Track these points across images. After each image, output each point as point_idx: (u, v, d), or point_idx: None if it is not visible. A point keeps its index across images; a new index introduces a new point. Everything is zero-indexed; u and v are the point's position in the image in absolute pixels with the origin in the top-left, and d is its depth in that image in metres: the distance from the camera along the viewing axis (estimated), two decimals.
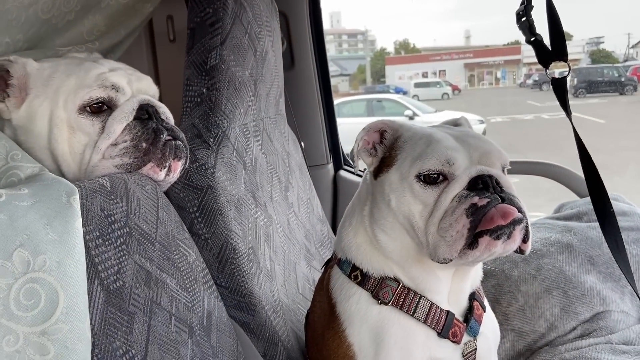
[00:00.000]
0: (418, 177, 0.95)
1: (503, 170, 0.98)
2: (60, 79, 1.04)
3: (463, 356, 1.03)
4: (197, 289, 1.04)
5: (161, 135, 1.03)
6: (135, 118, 1.02)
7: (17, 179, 0.88)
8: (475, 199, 0.89)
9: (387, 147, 1.04)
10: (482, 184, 0.91)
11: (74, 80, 1.03)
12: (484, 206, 0.88)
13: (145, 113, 1.04)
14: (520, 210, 0.90)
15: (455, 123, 1.13)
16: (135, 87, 1.09)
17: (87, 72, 1.04)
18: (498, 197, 0.90)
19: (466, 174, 0.93)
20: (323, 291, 1.13)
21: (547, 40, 1.28)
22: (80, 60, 1.10)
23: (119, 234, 0.88)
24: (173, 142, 1.05)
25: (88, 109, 1.01)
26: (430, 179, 0.94)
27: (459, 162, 0.94)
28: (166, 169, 1.05)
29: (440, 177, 0.94)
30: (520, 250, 0.93)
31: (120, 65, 1.11)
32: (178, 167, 1.07)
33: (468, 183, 0.92)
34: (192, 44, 1.27)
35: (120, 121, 1.01)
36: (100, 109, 1.02)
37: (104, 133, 1.01)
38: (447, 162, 0.93)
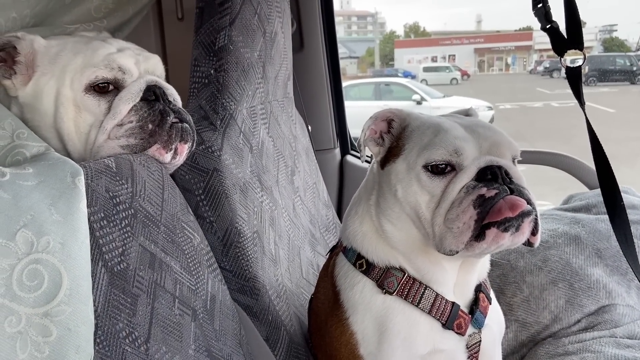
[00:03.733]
0: (425, 167, 0.93)
1: (513, 161, 0.97)
2: (68, 57, 1.03)
3: (467, 348, 1.02)
4: (201, 272, 1.04)
5: (168, 117, 1.02)
6: (142, 99, 1.01)
7: (23, 158, 0.87)
8: (483, 190, 0.88)
9: (394, 137, 1.02)
10: (491, 174, 0.89)
11: (81, 59, 1.02)
12: (492, 197, 0.87)
13: (152, 94, 1.03)
14: (529, 202, 0.88)
15: (466, 113, 1.10)
16: (143, 67, 1.07)
17: (94, 51, 1.03)
18: (507, 188, 0.88)
19: (475, 164, 0.91)
20: (327, 278, 1.12)
21: (562, 28, 1.25)
22: (89, 39, 1.08)
23: (124, 215, 0.88)
24: (180, 124, 1.04)
25: (94, 88, 1.01)
26: (437, 169, 0.93)
27: (468, 152, 0.92)
28: (172, 152, 1.04)
29: (448, 168, 0.93)
30: (529, 243, 0.92)
31: (128, 45, 1.10)
32: (184, 150, 1.06)
33: (476, 174, 0.90)
34: (201, 24, 1.25)
35: (127, 102, 1.00)
36: (107, 89, 1.01)
37: (110, 113, 1.00)
38: (455, 152, 0.92)
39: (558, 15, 1.27)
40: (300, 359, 1.23)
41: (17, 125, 0.93)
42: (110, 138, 1.00)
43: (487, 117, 11.22)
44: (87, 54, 1.02)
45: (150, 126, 1.00)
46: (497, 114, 12.55)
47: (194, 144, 1.09)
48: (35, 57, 1.03)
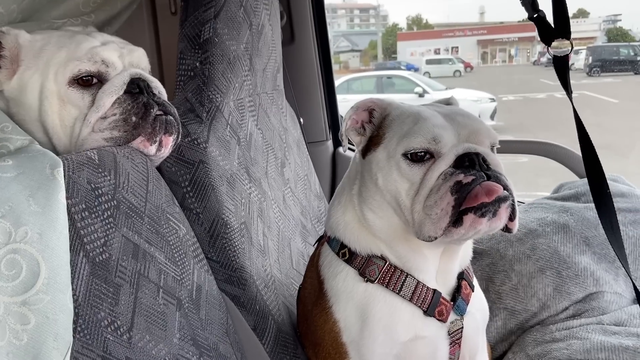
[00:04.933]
0: (405, 155, 0.94)
1: (492, 149, 0.97)
2: (51, 51, 1.03)
3: (449, 334, 1.03)
4: (186, 263, 1.05)
5: (151, 110, 1.03)
6: (126, 92, 1.02)
7: (7, 151, 0.88)
8: (461, 177, 0.89)
9: (375, 126, 1.03)
10: (468, 161, 0.90)
11: (64, 52, 1.03)
12: (469, 184, 0.88)
13: (136, 87, 1.03)
14: (506, 188, 0.89)
15: (446, 102, 1.11)
16: (127, 60, 1.08)
17: (78, 45, 1.04)
18: (484, 174, 0.89)
19: (452, 151, 0.92)
20: (313, 268, 1.14)
21: (550, 18, 1.25)
22: (73, 33, 1.09)
23: (106, 207, 0.89)
24: (164, 117, 1.05)
25: (78, 81, 1.01)
26: (416, 157, 0.93)
27: (446, 139, 0.93)
28: (157, 144, 1.05)
29: (427, 155, 0.94)
30: (507, 229, 0.92)
31: (112, 39, 1.11)
32: (169, 142, 1.07)
33: (454, 161, 0.91)
34: (186, 17, 1.26)
35: (110, 94, 1.01)
36: (90, 82, 1.02)
37: (94, 106, 1.01)
38: (433, 139, 0.93)
39: (545, 4, 1.27)
40: (288, 348, 1.24)
41: (1, 119, 0.94)
42: (94, 131, 1.00)
43: (490, 109, 11.16)
44: (71, 47, 1.03)
45: (133, 119, 1.01)
46: (500, 105, 12.49)
47: (180, 136, 1.10)
48: (20, 51, 1.03)
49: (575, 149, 1.96)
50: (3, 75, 1.04)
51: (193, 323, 1.01)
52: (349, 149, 2.25)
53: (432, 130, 0.93)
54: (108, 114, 1.00)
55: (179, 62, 1.28)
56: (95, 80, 1.02)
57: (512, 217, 0.90)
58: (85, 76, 1.01)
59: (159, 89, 1.09)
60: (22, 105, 1.03)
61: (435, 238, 0.91)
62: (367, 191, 1.02)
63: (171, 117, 1.07)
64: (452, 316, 1.04)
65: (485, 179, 0.89)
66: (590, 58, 20.20)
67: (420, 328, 1.00)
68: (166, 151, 1.08)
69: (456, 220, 0.88)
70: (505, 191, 0.88)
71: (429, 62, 26.97)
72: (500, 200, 0.87)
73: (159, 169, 1.12)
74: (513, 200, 0.90)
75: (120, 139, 1.01)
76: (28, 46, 1.04)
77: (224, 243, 1.19)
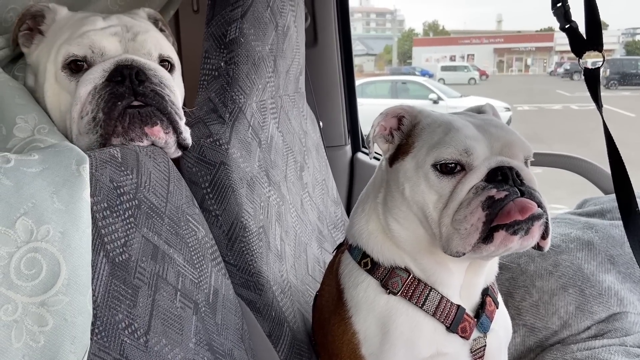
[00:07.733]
0: (434, 166, 0.91)
1: (526, 163, 0.94)
2: (62, 31, 0.99)
3: (471, 352, 1.00)
4: (204, 266, 1.03)
5: (118, 103, 0.89)
6: (111, 82, 0.90)
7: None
8: (493, 192, 0.85)
9: (404, 134, 1.00)
10: (501, 175, 0.87)
11: (68, 34, 0.97)
12: (502, 199, 0.85)
13: (118, 75, 0.90)
14: (540, 205, 0.86)
15: (479, 110, 1.08)
16: (131, 46, 0.99)
17: (80, 27, 0.97)
18: (517, 190, 0.86)
19: (485, 164, 0.89)
20: (332, 276, 1.11)
21: (582, 29, 1.23)
22: (88, 16, 1.03)
23: (128, 206, 0.87)
24: (137, 109, 0.91)
25: (70, 66, 0.94)
26: (447, 169, 0.90)
27: (478, 152, 0.90)
28: (145, 137, 0.93)
29: (458, 167, 0.90)
30: (538, 247, 0.89)
31: (133, 23, 1.03)
32: (157, 132, 0.94)
33: (486, 174, 0.88)
34: (212, 16, 1.24)
35: (85, 84, 0.91)
36: (82, 68, 0.94)
37: (73, 98, 0.92)
38: (465, 151, 0.90)
39: (578, 15, 1.24)
40: (303, 356, 1.22)
41: (40, 119, 0.91)
42: (80, 133, 0.92)
43: (505, 119, 11.11)
44: (74, 29, 0.97)
45: (100, 115, 0.89)
46: (515, 115, 12.43)
47: (175, 124, 0.97)
48: (50, 27, 1.01)
49: (599, 162, 1.92)
50: (32, 49, 1.01)
51: (209, 328, 0.99)
52: (367, 154, 2.22)
53: (463, 142, 0.90)
54: (84, 111, 0.90)
55: (204, 61, 1.26)
56: (86, 66, 0.94)
57: (544, 235, 0.87)
58: (78, 61, 0.94)
59: (160, 76, 0.95)
60: (38, 82, 1.00)
61: (464, 254, 0.88)
62: (392, 201, 0.99)
63: (151, 108, 0.92)
64: (475, 333, 1.00)
65: (519, 195, 0.85)
66: (608, 71, 20.04)
67: (442, 344, 0.98)
68: (162, 142, 0.96)
69: (486, 236, 0.85)
70: (539, 209, 0.85)
71: (444, 68, 26.90)
72: (534, 218, 0.84)
73: (179, 168, 1.10)
74: (547, 218, 0.86)
75: (96, 143, 0.90)
76: (57, 22, 1.01)
77: (242, 247, 1.17)
